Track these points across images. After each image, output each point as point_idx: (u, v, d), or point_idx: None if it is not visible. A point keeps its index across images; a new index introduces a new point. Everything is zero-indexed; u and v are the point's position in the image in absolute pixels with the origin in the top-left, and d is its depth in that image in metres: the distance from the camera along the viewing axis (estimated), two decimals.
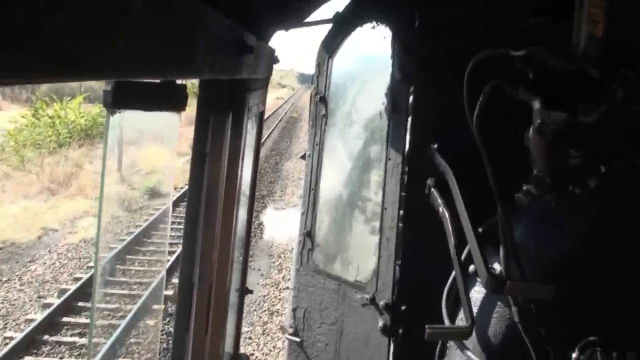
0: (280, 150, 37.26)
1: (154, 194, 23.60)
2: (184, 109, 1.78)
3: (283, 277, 16.98)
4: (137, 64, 1.05)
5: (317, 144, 3.80)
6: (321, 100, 3.72)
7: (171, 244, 17.43)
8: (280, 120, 49.93)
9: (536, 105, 2.03)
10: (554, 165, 2.06)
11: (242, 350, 4.42)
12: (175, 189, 22.51)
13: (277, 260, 18.71)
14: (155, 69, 1.15)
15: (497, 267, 2.50)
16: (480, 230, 2.80)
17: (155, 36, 1.10)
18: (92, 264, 16.84)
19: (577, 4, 1.84)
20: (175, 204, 20.62)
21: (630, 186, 2.26)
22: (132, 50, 1.00)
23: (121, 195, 22.71)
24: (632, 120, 1.97)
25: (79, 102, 32.65)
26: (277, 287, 16.60)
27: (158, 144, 17.29)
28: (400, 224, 3.36)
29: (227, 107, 2.47)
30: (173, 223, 19.12)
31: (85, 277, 15.27)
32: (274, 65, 3.51)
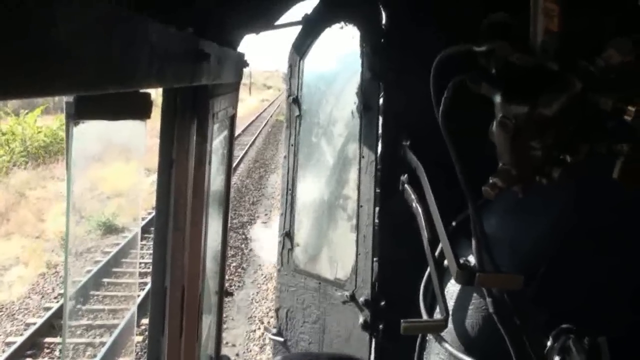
0: (264, 160, 31.40)
1: (109, 229, 18.77)
2: (148, 117, 1.80)
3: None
4: (70, 80, 1.06)
5: (292, 145, 3.83)
6: (294, 101, 3.76)
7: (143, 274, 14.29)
8: (265, 125, 45.09)
9: (498, 99, 2.06)
10: (518, 158, 2.09)
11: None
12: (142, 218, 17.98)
13: (259, 329, 13.32)
14: (90, 83, 1.17)
15: (472, 259, 2.53)
16: (453, 224, 2.84)
17: (88, 52, 1.11)
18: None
19: None
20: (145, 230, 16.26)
21: (597, 173, 2.31)
22: (61, 68, 1.02)
23: (59, 239, 18.00)
24: (592, 109, 2.00)
25: (36, 115, 28.51)
26: None
27: (124, 159, 15.57)
28: (377, 221, 3.40)
29: (191, 113, 2.50)
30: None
31: None
32: (261, 68, 3.54)
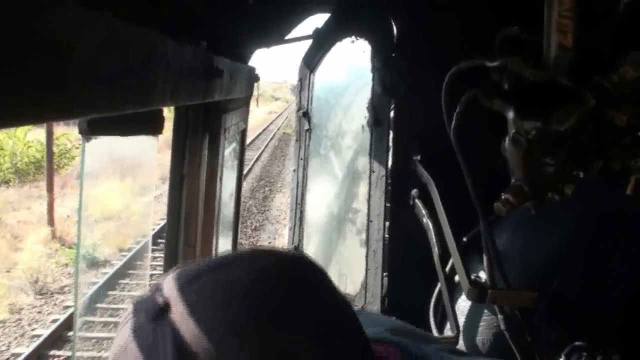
0: (270, 178, 27.93)
1: (89, 262, 14.78)
2: (161, 132, 1.80)
3: None
4: (88, 103, 1.06)
5: (302, 159, 3.83)
6: (304, 115, 3.76)
7: None
8: (271, 139, 42.16)
9: (510, 115, 2.05)
10: (530, 174, 2.08)
11: None
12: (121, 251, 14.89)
13: None
14: (108, 105, 1.16)
15: (484, 276, 2.51)
16: (464, 239, 2.82)
17: (105, 74, 1.11)
18: None
19: (546, 14, 1.87)
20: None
21: (610, 189, 2.29)
22: (79, 91, 1.01)
23: (29, 276, 14.23)
24: (606, 125, 1.99)
25: (26, 129, 24.36)
26: None
27: (118, 176, 14.23)
28: (387, 236, 3.38)
29: (203, 129, 2.51)
30: None
31: None
32: (269, 79, 3.55)
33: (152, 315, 0.88)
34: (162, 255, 2.71)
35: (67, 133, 23.47)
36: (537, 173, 2.08)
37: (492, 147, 2.27)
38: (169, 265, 2.55)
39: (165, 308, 0.88)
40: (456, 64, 2.35)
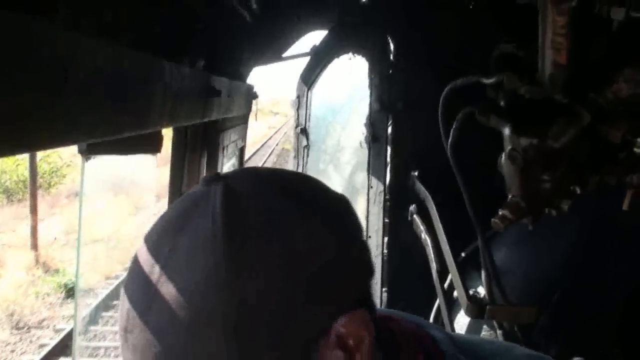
0: None
1: (70, 292, 13.69)
2: (159, 151, 1.81)
3: None
4: (84, 130, 1.07)
5: None
6: (302, 131, 3.77)
7: None
8: (270, 154, 40.42)
9: (506, 131, 2.06)
10: (527, 190, 2.09)
11: None
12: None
13: None
14: (105, 130, 1.17)
15: (482, 291, 2.52)
16: (463, 255, 2.83)
17: (101, 100, 1.12)
18: None
19: (540, 32, 1.88)
20: None
21: (607, 203, 2.30)
22: (75, 119, 1.02)
23: (5, 308, 12.65)
24: (601, 141, 2.00)
25: None
26: None
27: (111, 195, 13.55)
28: (385, 251, 3.38)
29: (201, 147, 2.53)
30: None
31: None
32: (268, 94, 3.57)
33: (206, 180, 0.93)
34: None
35: (57, 150, 22.32)
36: (534, 189, 2.09)
37: (490, 163, 2.28)
38: None
39: (222, 176, 0.93)
40: (453, 81, 2.37)
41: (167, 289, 0.84)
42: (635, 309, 2.59)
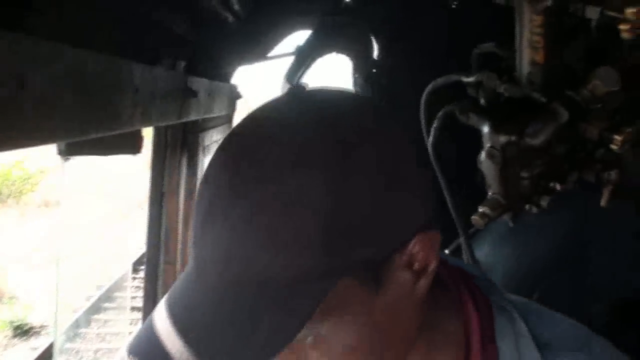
0: None
1: (18, 329, 11.63)
2: (140, 151, 1.82)
3: None
4: (44, 135, 1.07)
5: None
6: None
7: None
8: None
9: (486, 129, 2.08)
10: (507, 187, 2.11)
11: None
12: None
13: None
14: (70, 131, 1.18)
15: None
16: (447, 252, 2.85)
17: (62, 105, 1.12)
18: None
19: (518, 31, 1.91)
20: None
21: (587, 200, 2.32)
22: (34, 124, 1.02)
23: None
24: (579, 139, 2.03)
25: None
26: None
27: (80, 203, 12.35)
28: None
29: (181, 147, 2.54)
30: None
31: None
32: (255, 92, 3.55)
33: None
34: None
35: (27, 157, 20.18)
36: (513, 186, 2.10)
37: (471, 161, 2.29)
38: (150, 284, 2.56)
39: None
40: (434, 80, 2.39)
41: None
42: (622, 308, 2.61)
